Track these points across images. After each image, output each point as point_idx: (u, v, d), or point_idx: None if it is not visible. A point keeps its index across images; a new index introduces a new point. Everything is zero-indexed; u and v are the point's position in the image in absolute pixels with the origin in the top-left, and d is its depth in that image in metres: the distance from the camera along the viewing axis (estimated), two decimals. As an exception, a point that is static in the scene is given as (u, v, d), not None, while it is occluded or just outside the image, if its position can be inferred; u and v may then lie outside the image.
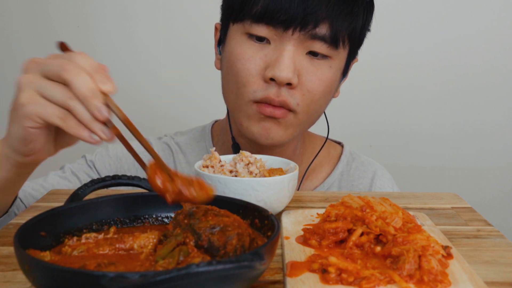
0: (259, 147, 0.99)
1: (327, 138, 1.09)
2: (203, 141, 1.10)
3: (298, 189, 1.04)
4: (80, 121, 0.57)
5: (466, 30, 1.79)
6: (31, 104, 0.59)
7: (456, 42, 1.80)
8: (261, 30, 0.88)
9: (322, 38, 0.87)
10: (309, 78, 0.89)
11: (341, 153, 1.12)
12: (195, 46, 1.80)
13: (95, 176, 1.06)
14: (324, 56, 0.89)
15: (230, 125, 1.03)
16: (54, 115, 0.58)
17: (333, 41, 0.88)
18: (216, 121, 1.14)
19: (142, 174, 1.07)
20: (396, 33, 1.77)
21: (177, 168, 1.07)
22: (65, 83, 0.58)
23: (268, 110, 0.89)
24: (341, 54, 0.92)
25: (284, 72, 0.85)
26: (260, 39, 0.89)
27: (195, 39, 1.80)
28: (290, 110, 0.89)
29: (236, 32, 0.92)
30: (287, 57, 0.86)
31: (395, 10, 1.75)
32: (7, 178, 0.70)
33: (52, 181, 1.01)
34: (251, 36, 0.89)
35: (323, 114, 1.04)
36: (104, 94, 0.57)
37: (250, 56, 0.89)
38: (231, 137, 1.03)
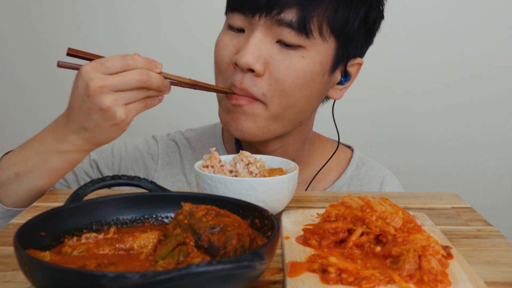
0: (256, 150, 0.99)
1: (338, 143, 1.08)
2: (213, 137, 1.10)
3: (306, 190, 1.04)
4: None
5: (467, 32, 1.79)
6: (128, 113, 0.77)
7: (457, 45, 1.80)
8: (235, 19, 0.90)
9: (288, 25, 0.85)
10: (277, 66, 0.87)
11: (351, 157, 1.11)
12: (196, 46, 1.80)
13: (94, 175, 1.06)
14: (296, 47, 0.87)
15: None
16: (141, 108, 0.79)
17: (301, 28, 0.85)
18: None
19: (143, 171, 1.07)
20: (398, 35, 1.77)
21: (185, 164, 1.07)
22: (145, 88, 0.78)
23: (235, 97, 0.89)
24: (319, 46, 0.88)
25: (244, 57, 0.85)
26: (239, 30, 0.91)
27: (196, 40, 1.80)
28: (256, 99, 0.89)
29: (224, 25, 0.95)
30: (251, 43, 0.86)
31: (397, 15, 1.74)
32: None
33: None
34: (230, 27, 0.91)
35: (333, 119, 1.04)
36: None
37: (225, 44, 0.91)
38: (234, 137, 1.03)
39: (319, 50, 0.89)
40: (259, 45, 0.86)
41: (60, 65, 0.78)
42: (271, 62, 0.87)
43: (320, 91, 0.94)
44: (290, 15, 0.85)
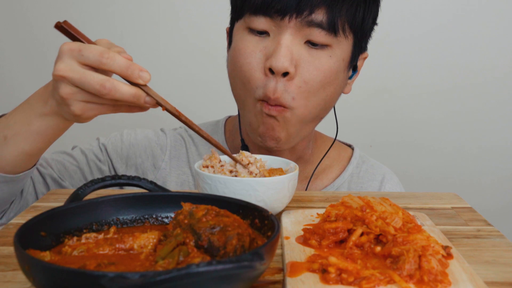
0: (267, 149, 0.99)
1: (335, 139, 1.09)
2: (215, 134, 1.11)
3: (306, 189, 1.05)
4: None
5: (468, 34, 1.79)
6: (86, 111, 0.72)
7: (458, 47, 1.80)
8: (259, 22, 0.88)
9: (319, 25, 0.86)
10: (307, 68, 0.88)
11: (351, 156, 1.12)
12: (196, 47, 1.81)
13: (104, 158, 1.08)
14: (324, 46, 0.88)
15: (240, 125, 1.04)
16: (107, 110, 0.73)
17: (331, 28, 0.86)
18: (229, 117, 1.15)
19: (151, 160, 1.08)
20: (399, 36, 1.77)
21: (189, 159, 1.09)
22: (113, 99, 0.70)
23: (267, 107, 0.89)
24: (343, 44, 0.90)
25: (280, 61, 0.85)
26: (261, 32, 0.89)
27: (196, 40, 1.80)
28: (285, 107, 0.89)
29: (238, 28, 0.93)
30: (284, 46, 0.86)
31: (398, 16, 1.75)
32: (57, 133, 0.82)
33: (57, 157, 1.03)
34: (251, 30, 0.90)
35: (334, 115, 1.04)
36: (144, 85, 0.70)
37: (252, 50, 0.89)
38: (241, 139, 1.03)
39: (342, 48, 0.90)
40: (291, 47, 0.86)
41: (58, 25, 0.71)
42: (301, 64, 0.88)
43: (341, 87, 0.96)
44: (320, 15, 0.86)
